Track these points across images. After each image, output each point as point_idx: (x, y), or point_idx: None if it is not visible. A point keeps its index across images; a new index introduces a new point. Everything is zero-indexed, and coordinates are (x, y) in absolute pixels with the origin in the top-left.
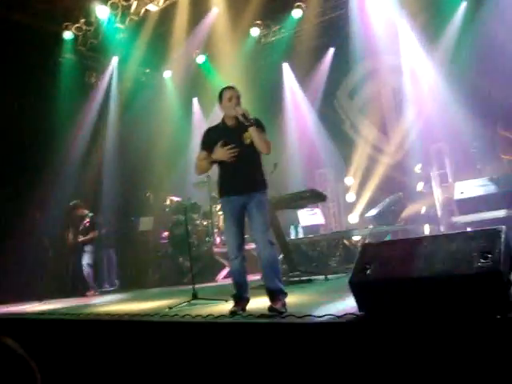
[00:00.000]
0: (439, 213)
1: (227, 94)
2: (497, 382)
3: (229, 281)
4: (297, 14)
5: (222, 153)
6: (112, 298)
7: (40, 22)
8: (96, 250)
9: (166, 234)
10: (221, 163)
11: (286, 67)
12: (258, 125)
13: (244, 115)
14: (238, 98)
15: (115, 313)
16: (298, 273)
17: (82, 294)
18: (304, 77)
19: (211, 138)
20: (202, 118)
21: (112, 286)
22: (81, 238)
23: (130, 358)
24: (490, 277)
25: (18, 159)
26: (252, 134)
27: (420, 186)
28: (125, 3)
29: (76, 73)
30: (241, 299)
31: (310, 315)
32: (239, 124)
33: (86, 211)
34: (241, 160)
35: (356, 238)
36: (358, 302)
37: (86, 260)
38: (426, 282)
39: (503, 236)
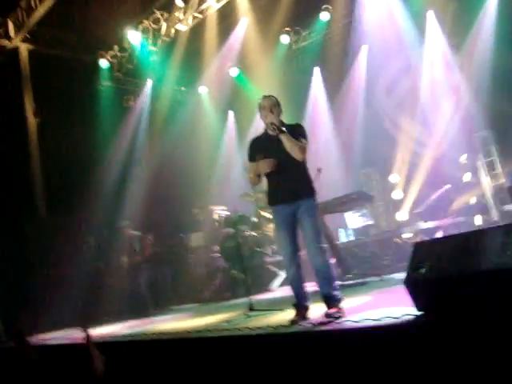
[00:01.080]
0: (490, 202)
1: (260, 104)
2: None
3: (284, 290)
4: (325, 16)
5: (262, 166)
6: (170, 317)
7: (77, 53)
8: (151, 269)
9: (217, 248)
10: (267, 173)
11: (317, 71)
12: (295, 131)
13: (273, 124)
14: (271, 106)
15: (175, 331)
16: (351, 276)
17: (142, 315)
18: (339, 78)
19: (255, 149)
20: (237, 130)
21: (169, 303)
22: (136, 259)
23: (193, 375)
24: None
25: (68, 187)
26: (283, 141)
27: (467, 177)
28: (155, 26)
29: (115, 98)
30: (300, 308)
31: (367, 319)
32: (278, 132)
33: (135, 232)
34: (284, 168)
35: (407, 236)
36: (414, 302)
37: (143, 280)
38: (484, 277)
39: None
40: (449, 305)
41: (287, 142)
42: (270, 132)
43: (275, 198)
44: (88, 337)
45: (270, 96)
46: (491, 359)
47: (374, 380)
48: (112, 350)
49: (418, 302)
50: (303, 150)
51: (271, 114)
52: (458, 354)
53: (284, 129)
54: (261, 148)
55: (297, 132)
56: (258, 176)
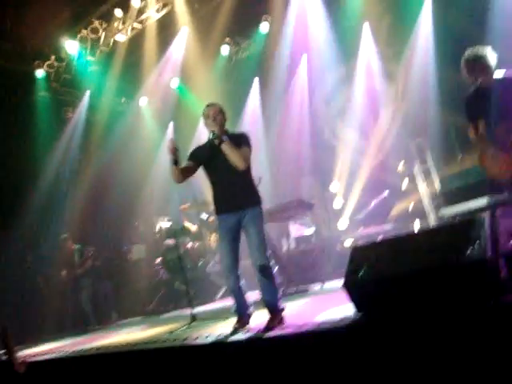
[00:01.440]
0: (427, 207)
1: (204, 112)
2: (497, 365)
3: (227, 301)
4: (264, 28)
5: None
6: (113, 331)
7: (11, 63)
8: (91, 283)
9: (159, 260)
10: (212, 182)
11: (256, 82)
12: (238, 139)
13: (213, 133)
14: (214, 114)
15: (118, 344)
16: (293, 284)
17: (84, 330)
18: (279, 88)
19: (197, 154)
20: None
21: (111, 317)
22: (76, 272)
23: None
24: (479, 264)
25: (3, 200)
26: (224, 150)
27: (405, 184)
28: (93, 36)
29: (53, 109)
30: (242, 316)
31: (308, 323)
32: (220, 141)
33: (75, 245)
34: (228, 177)
35: (348, 243)
36: (353, 303)
37: (84, 295)
38: (417, 276)
39: (486, 223)
40: (385, 305)
41: (228, 151)
42: (211, 142)
43: (220, 207)
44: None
45: (214, 104)
46: (427, 356)
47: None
48: (55, 367)
49: (357, 304)
50: (244, 158)
51: (213, 123)
52: (396, 351)
53: (225, 138)
54: (203, 156)
55: (240, 140)
56: (182, 173)
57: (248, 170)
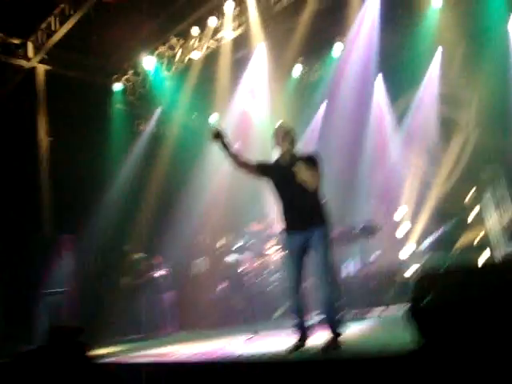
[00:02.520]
0: (496, 239)
1: (275, 132)
2: None
3: (286, 319)
4: (336, 52)
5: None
6: (173, 340)
7: (92, 76)
8: (151, 293)
9: (220, 275)
10: (281, 200)
11: (323, 105)
12: (310, 160)
13: (286, 154)
14: (285, 135)
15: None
16: (353, 309)
17: (135, 339)
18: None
19: (264, 164)
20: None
21: (174, 328)
22: (136, 281)
23: None
24: None
25: (75, 207)
26: (297, 170)
27: (473, 215)
28: (170, 52)
29: (126, 122)
30: (302, 335)
31: (368, 346)
32: (291, 161)
33: (139, 254)
34: (298, 195)
35: (410, 273)
36: (416, 331)
37: (142, 304)
38: (480, 308)
39: None
40: (449, 333)
41: (300, 172)
42: (281, 161)
43: (288, 223)
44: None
45: (284, 125)
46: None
47: None
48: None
49: (419, 331)
50: (316, 178)
51: (283, 143)
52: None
53: (299, 160)
54: (273, 172)
55: (312, 160)
56: (241, 161)
57: (317, 190)
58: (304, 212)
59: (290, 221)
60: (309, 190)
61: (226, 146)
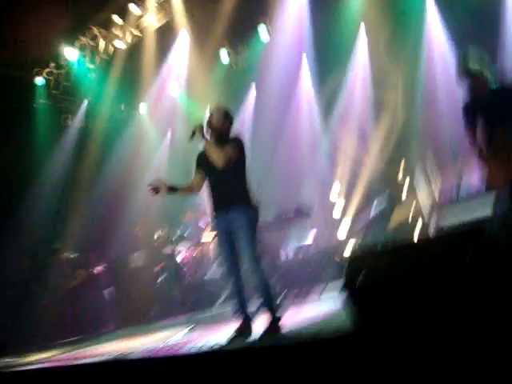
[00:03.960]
0: (427, 217)
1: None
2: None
3: (225, 308)
4: (264, 34)
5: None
6: (114, 337)
7: (11, 70)
8: (89, 293)
9: (157, 268)
10: (207, 183)
11: (253, 88)
12: (227, 142)
13: (199, 130)
14: (211, 115)
15: (119, 351)
16: (291, 293)
17: (80, 339)
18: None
19: (199, 160)
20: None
21: (114, 325)
22: (72, 283)
23: None
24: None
25: (3, 206)
26: (205, 148)
27: (405, 193)
28: (93, 43)
29: (52, 117)
30: (244, 318)
31: (307, 329)
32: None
33: (71, 254)
34: (219, 177)
35: (347, 254)
36: (351, 309)
37: (81, 304)
38: (409, 283)
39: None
40: (383, 310)
41: (207, 148)
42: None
43: (212, 208)
44: None
45: (217, 106)
46: (426, 360)
47: None
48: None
49: (355, 309)
50: (226, 157)
51: (211, 120)
52: (396, 355)
53: (205, 137)
54: (203, 158)
55: (228, 142)
56: (194, 187)
57: (238, 172)
58: (224, 193)
59: (212, 203)
60: (231, 171)
61: (174, 188)
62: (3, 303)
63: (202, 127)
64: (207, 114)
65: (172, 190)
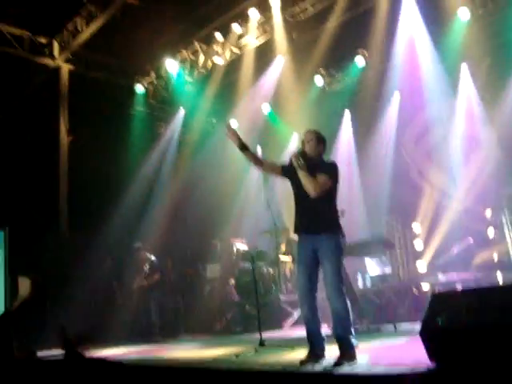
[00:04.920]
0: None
1: (302, 137)
2: None
3: (296, 329)
4: (360, 62)
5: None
6: (179, 346)
7: (115, 77)
8: (161, 295)
9: (232, 281)
10: (295, 201)
11: (347, 114)
12: (320, 167)
13: (295, 158)
14: (306, 140)
15: (183, 360)
16: (366, 322)
17: (148, 341)
18: (368, 122)
19: (290, 168)
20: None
21: (179, 333)
22: (144, 282)
23: None
24: None
25: (92, 206)
26: (299, 175)
27: (491, 232)
28: (193, 57)
29: (147, 124)
30: (313, 349)
31: (379, 365)
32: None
33: (149, 255)
34: (308, 200)
35: (425, 287)
36: (428, 352)
37: (153, 306)
38: (500, 332)
39: None
40: (461, 357)
41: (302, 178)
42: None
43: (297, 227)
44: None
45: (311, 130)
46: None
47: None
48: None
49: (432, 352)
50: (318, 186)
51: (307, 146)
52: None
53: (302, 163)
54: (293, 174)
55: (321, 168)
56: (261, 162)
57: (329, 199)
58: (312, 217)
59: (298, 223)
60: (320, 196)
61: (244, 146)
62: (90, 302)
63: (297, 155)
64: (303, 136)
65: (243, 145)
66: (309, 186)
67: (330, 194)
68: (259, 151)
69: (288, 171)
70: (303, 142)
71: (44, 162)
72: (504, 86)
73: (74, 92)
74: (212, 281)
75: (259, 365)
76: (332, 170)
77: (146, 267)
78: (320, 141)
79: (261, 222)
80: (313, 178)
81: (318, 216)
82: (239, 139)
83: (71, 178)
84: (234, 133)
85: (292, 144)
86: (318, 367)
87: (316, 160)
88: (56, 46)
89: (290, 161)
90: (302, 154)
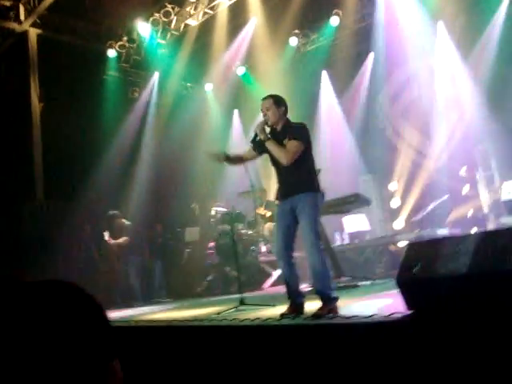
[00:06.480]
0: (486, 215)
1: (261, 106)
2: None
3: (276, 289)
4: (334, 21)
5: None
6: (160, 308)
7: (86, 42)
8: (141, 260)
9: (212, 244)
10: (273, 168)
11: (324, 75)
12: (289, 132)
13: (259, 131)
14: (266, 108)
15: (164, 319)
16: (344, 278)
17: (129, 305)
18: (345, 83)
19: (258, 142)
20: (242, 129)
21: (159, 296)
22: (115, 241)
23: (181, 361)
24: None
25: (68, 173)
26: (268, 148)
27: (466, 189)
28: (165, 19)
29: (120, 89)
30: (293, 304)
31: (358, 315)
32: (274, 134)
33: (125, 221)
34: (284, 167)
35: (402, 244)
36: (405, 300)
37: (132, 271)
38: (474, 279)
39: None
40: (438, 304)
41: (272, 149)
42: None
43: (277, 194)
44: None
45: (267, 97)
46: (477, 358)
47: (361, 377)
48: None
49: (409, 301)
50: (290, 154)
51: (266, 117)
52: (446, 351)
53: (266, 136)
54: (263, 145)
55: (290, 134)
56: (242, 159)
57: (304, 160)
58: (289, 181)
59: (278, 189)
60: (284, 165)
61: (227, 158)
62: (70, 270)
63: (261, 128)
64: (261, 106)
65: (228, 158)
66: (280, 156)
67: (303, 157)
68: (236, 114)
69: (258, 145)
70: (263, 112)
71: (17, 130)
72: (479, 44)
73: (44, 58)
74: (191, 244)
75: (240, 320)
76: (301, 133)
77: (124, 234)
78: (279, 104)
79: (239, 184)
80: (282, 147)
81: (294, 179)
82: (224, 158)
83: (45, 145)
84: (220, 158)
85: None
86: (297, 320)
87: (282, 125)
88: (22, 9)
89: (255, 133)
90: (265, 124)
